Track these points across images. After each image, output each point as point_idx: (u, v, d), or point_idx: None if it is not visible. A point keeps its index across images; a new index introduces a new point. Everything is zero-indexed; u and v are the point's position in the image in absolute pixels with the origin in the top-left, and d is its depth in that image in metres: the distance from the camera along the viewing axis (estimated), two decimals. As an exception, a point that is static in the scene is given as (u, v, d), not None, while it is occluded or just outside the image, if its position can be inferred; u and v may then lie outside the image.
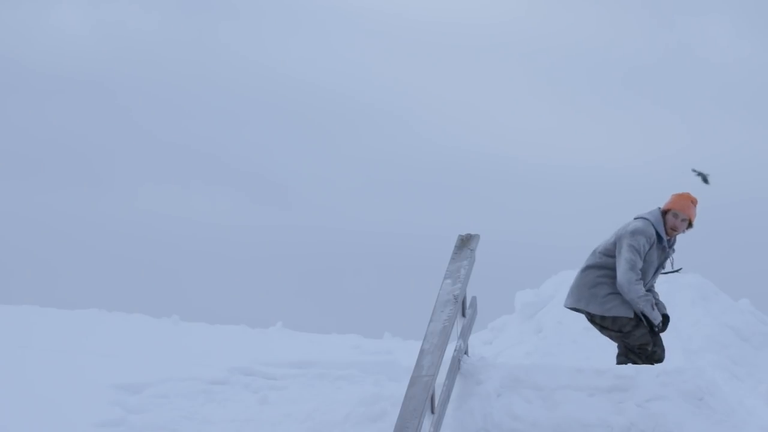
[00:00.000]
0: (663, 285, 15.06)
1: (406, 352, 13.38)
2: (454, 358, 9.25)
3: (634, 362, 9.58)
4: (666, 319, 9.87)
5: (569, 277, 15.36)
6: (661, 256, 9.80)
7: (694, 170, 12.40)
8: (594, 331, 13.75)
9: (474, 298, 9.89)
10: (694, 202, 9.84)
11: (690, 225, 9.82)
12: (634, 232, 9.62)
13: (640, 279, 9.55)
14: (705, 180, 12.33)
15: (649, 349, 9.65)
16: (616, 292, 9.61)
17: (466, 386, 9.15)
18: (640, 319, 9.63)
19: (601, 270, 9.70)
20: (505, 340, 14.70)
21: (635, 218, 9.79)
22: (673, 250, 9.92)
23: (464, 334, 9.56)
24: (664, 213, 9.76)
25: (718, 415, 8.87)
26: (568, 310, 10.05)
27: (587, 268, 9.79)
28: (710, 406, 8.91)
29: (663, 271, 10.05)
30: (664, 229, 9.72)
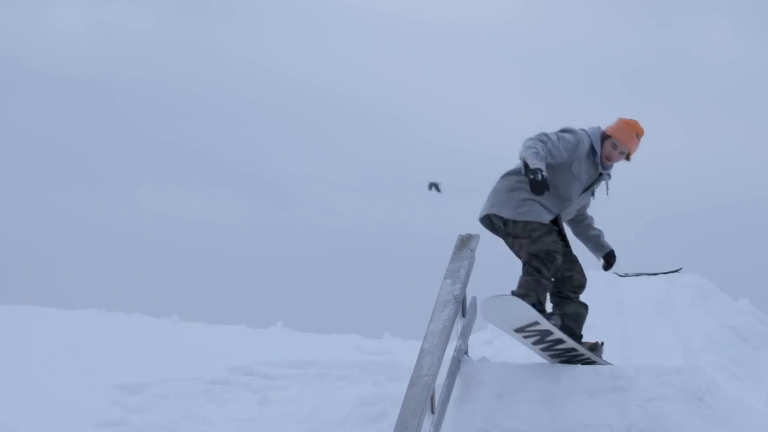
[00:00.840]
0: (663, 285, 15.11)
1: (406, 352, 13.37)
2: (454, 358, 9.25)
3: (538, 269, 8.76)
4: (611, 254, 9.33)
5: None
6: (592, 173, 8.96)
7: (431, 184, 12.37)
8: (594, 331, 13.78)
9: (474, 298, 9.88)
10: (639, 134, 8.95)
11: (627, 158, 9.00)
12: (565, 128, 8.81)
13: (544, 143, 8.56)
14: (436, 188, 12.27)
15: (558, 258, 8.83)
16: (533, 199, 8.76)
17: (466, 386, 9.15)
18: (552, 228, 8.85)
19: (522, 176, 8.76)
20: (505, 340, 14.66)
21: None
22: (609, 176, 9.06)
23: (464, 334, 9.56)
24: (604, 137, 8.92)
25: (718, 415, 8.87)
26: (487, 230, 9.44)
27: (509, 173, 8.92)
28: (710, 406, 8.91)
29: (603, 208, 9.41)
30: (600, 155, 8.88)
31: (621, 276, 15.49)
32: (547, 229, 8.77)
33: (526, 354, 13.37)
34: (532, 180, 8.38)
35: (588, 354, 9.22)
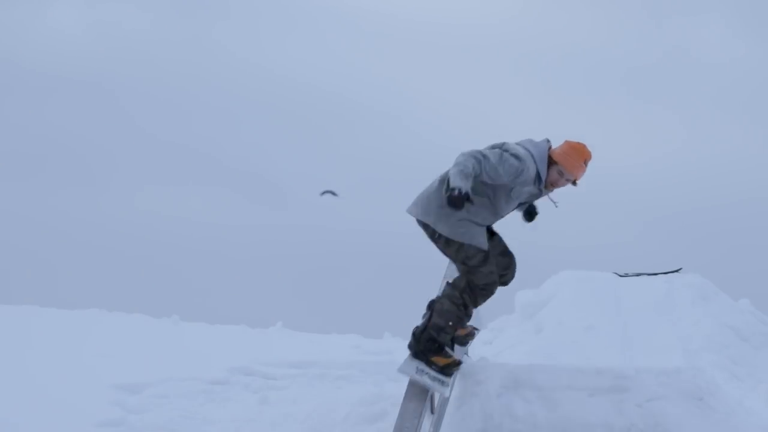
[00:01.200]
0: (663, 285, 15.11)
1: (406, 352, 13.37)
2: (454, 358, 9.26)
3: (466, 305, 8.34)
4: (532, 209, 8.64)
5: (569, 277, 15.40)
6: (534, 195, 8.42)
7: (325, 192, 12.36)
8: (594, 331, 13.81)
9: (474, 298, 9.88)
10: (587, 161, 8.34)
11: (574, 183, 8.40)
12: (513, 152, 8.12)
13: (479, 161, 7.94)
14: (333, 193, 12.27)
15: (494, 290, 8.31)
16: (472, 221, 8.26)
17: (466, 386, 9.16)
18: (488, 255, 8.33)
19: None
20: (505, 340, 14.70)
21: (522, 143, 8.33)
22: (551, 190, 8.49)
23: (464, 334, 9.56)
24: (550, 161, 8.32)
25: (718, 415, 8.88)
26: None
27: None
28: (710, 406, 8.92)
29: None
30: (544, 180, 8.31)
31: (621, 276, 15.50)
32: (483, 257, 8.29)
33: (526, 354, 13.40)
34: (449, 197, 7.80)
35: (457, 358, 8.74)
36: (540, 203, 8.72)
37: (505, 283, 8.69)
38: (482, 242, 8.28)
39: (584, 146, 8.36)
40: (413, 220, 8.55)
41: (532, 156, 8.23)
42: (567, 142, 8.38)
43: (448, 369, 8.58)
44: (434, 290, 9.40)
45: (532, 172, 8.21)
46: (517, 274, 8.76)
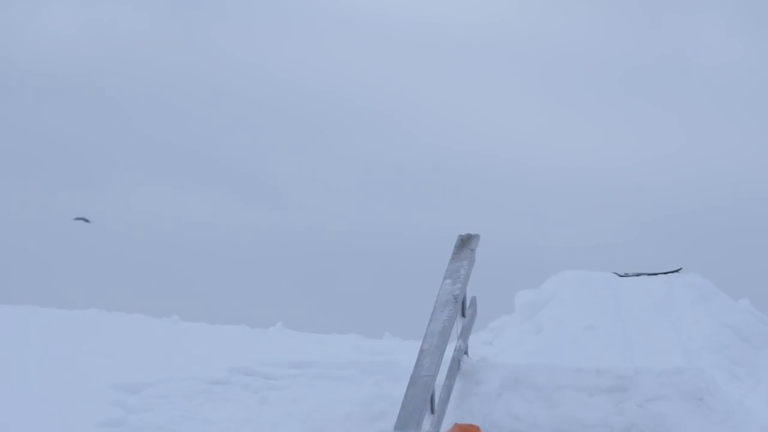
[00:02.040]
0: (663, 285, 15.11)
1: (406, 352, 13.36)
2: (454, 358, 9.26)
3: None
4: None
5: (569, 277, 15.38)
6: None
7: (77, 218, 12.39)
8: (594, 331, 13.81)
9: (474, 298, 9.90)
10: None
11: None
12: None
13: None
14: (84, 220, 12.34)
15: None
16: None
17: (466, 386, 9.16)
18: None
19: None
20: (505, 340, 14.69)
21: None
22: None
23: (464, 334, 9.57)
24: None
25: (718, 415, 8.88)
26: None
27: None
28: (710, 406, 8.92)
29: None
30: None
31: (621, 276, 15.50)
32: None
33: (526, 354, 13.39)
34: None
35: None
36: None
37: None
38: None
39: (478, 428, 7.95)
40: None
41: None
42: (457, 426, 7.96)
43: None
44: (434, 290, 9.40)
45: None
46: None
